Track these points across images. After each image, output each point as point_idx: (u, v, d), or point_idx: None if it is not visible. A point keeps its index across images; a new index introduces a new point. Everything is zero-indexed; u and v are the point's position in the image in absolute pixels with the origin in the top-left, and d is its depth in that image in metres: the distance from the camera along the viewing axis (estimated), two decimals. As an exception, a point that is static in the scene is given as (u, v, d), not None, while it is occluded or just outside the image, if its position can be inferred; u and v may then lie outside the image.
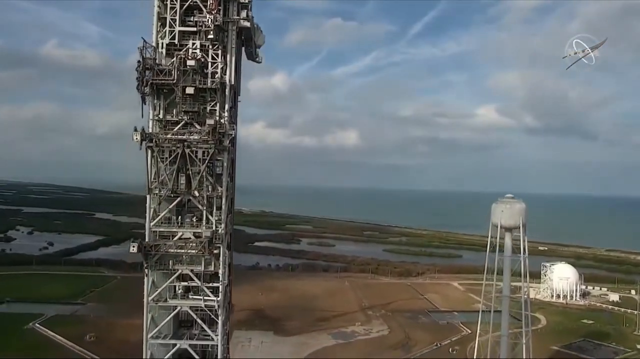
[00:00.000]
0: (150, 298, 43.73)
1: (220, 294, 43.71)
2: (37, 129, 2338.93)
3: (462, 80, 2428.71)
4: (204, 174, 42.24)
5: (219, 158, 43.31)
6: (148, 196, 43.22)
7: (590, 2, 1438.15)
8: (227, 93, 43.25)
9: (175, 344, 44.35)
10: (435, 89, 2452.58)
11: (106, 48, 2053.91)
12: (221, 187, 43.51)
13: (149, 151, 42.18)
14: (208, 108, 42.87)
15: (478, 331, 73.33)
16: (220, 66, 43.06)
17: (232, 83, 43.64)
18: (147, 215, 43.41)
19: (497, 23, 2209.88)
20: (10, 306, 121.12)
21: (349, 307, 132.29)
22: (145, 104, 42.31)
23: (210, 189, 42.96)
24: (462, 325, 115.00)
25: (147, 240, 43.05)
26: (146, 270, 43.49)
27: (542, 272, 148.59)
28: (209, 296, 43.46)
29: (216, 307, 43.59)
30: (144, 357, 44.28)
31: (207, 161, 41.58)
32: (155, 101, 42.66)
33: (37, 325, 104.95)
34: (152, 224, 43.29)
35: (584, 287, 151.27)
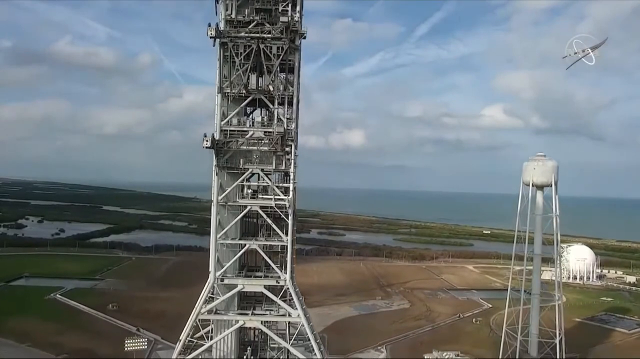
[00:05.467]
0: (219, 198, 43.63)
1: (290, 193, 43.62)
2: (44, 128, 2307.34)
3: (468, 81, 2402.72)
4: (277, 69, 42.34)
5: (290, 58, 43.46)
6: (218, 96, 43.30)
7: (599, 3, 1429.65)
8: (298, -8, 43.50)
9: (244, 245, 44.17)
10: (442, 90, 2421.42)
11: (113, 48, 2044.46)
12: (292, 87, 43.65)
13: (222, 49, 42.34)
14: (280, 8, 43.12)
15: (508, 296, 70.41)
16: (291, -33, 43.32)
17: (303, -17, 43.90)
18: (217, 114, 43.42)
19: (505, 24, 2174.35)
20: (29, 281, 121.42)
21: (367, 285, 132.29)
22: (218, 3, 42.68)
23: (281, 88, 43.12)
24: (482, 300, 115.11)
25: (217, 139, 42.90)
26: (215, 169, 43.43)
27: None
28: (280, 195, 43.40)
29: (287, 206, 43.39)
30: (211, 258, 44.09)
31: (281, 57, 41.68)
32: (227, 0, 42.94)
33: (59, 296, 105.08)
34: (222, 123, 43.24)
35: (599, 271, 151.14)
